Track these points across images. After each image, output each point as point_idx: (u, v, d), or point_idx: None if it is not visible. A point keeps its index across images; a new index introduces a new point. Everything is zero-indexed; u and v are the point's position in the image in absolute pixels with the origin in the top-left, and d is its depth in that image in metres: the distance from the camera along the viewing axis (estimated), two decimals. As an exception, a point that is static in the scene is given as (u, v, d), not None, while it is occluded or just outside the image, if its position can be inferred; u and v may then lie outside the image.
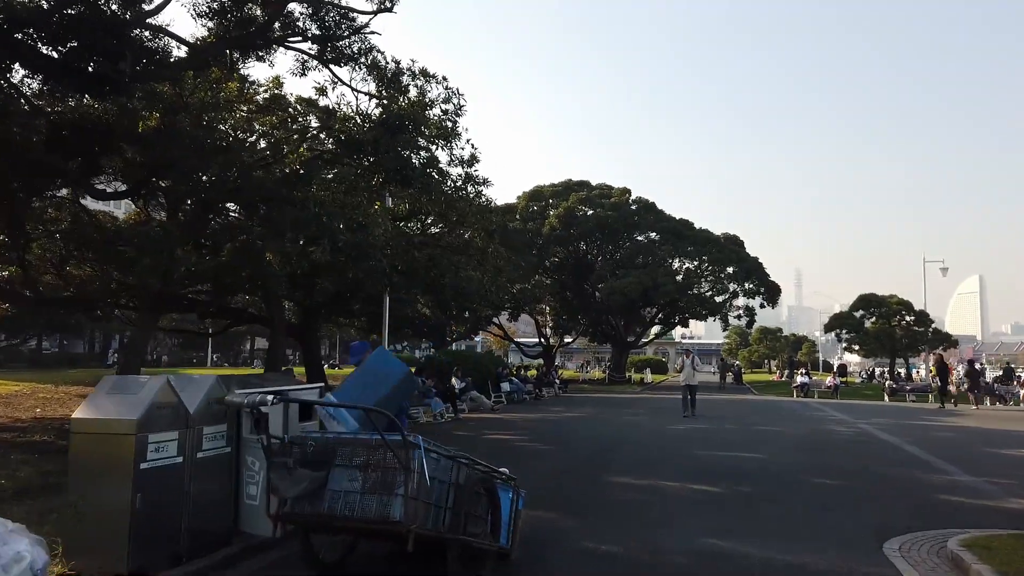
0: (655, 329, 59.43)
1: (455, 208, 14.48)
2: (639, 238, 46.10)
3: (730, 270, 44.24)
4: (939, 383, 27.35)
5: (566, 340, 54.94)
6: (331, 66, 14.03)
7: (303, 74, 14.06)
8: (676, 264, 45.45)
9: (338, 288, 16.34)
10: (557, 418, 19.18)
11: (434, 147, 14.77)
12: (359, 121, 13.62)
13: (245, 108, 15.24)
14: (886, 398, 32.02)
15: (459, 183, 14.52)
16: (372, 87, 14.40)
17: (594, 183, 46.98)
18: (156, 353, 64.29)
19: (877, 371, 62.67)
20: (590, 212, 43.22)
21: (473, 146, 14.59)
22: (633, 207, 45.33)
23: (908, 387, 33.35)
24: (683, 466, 10.62)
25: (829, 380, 34.05)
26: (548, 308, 48.43)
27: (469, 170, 14.70)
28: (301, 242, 13.14)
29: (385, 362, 6.95)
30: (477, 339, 77.74)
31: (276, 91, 15.96)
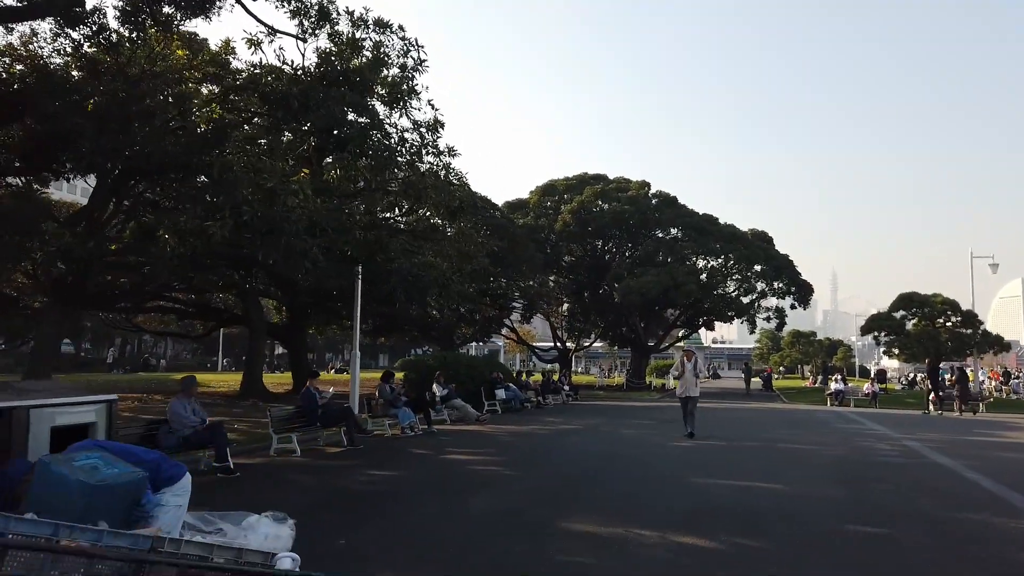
0: (679, 332, 56.53)
1: (414, 184, 12.01)
2: (659, 234, 43.24)
3: (758, 268, 41.21)
4: (930, 388, 27.27)
5: (583, 343, 52.30)
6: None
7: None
8: (701, 263, 42.54)
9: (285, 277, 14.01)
10: (548, 431, 16.61)
11: (388, 109, 12.34)
12: (293, 74, 11.23)
13: (199, 74, 13.04)
14: (931, 408, 28.81)
15: (414, 151, 12.03)
16: (324, 42, 12.08)
17: (611, 177, 44.30)
18: (162, 355, 63.04)
19: (919, 376, 58.81)
20: (606, 207, 40.57)
21: (433, 106, 12.16)
22: (653, 201, 42.58)
23: (955, 394, 30.03)
24: (674, 504, 8.02)
25: (866, 387, 30.92)
26: (562, 309, 45.84)
27: (430, 136, 12.27)
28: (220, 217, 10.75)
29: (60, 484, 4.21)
30: (499, 343, 75.39)
31: (226, 56, 13.71)
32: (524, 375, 27.07)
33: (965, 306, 35.39)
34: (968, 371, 59.06)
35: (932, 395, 27.87)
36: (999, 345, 35.81)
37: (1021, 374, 50.33)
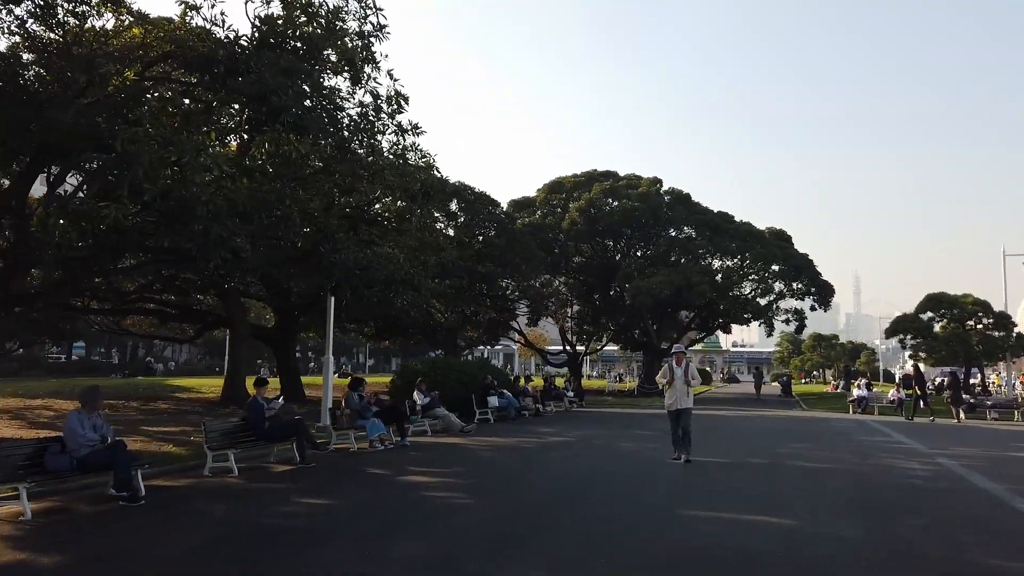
0: (695, 335, 54.51)
1: (368, 165, 10.46)
2: (672, 233, 41.38)
3: (776, 268, 39.23)
4: (915, 393, 25.78)
5: (595, 347, 50.57)
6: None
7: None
8: (716, 263, 40.68)
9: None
10: (534, 445, 15.03)
11: (342, 79, 10.86)
12: (225, 37, 9.79)
13: (153, 54, 11.65)
14: (962, 416, 26.80)
15: (365, 126, 10.49)
16: (277, 8, 10.62)
17: (622, 174, 42.57)
18: (172, 359, 62.23)
19: (947, 381, 56.34)
20: (615, 204, 38.80)
21: (393, 77, 10.63)
22: (665, 199, 40.75)
23: (989, 402, 28.02)
24: (652, 546, 6.43)
25: (891, 393, 28.93)
26: (571, 311, 44.16)
27: (388, 109, 10.73)
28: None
29: None
30: (512, 348, 73.66)
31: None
32: (523, 380, 25.47)
33: (997, 307, 33.27)
34: (995, 375, 56.49)
35: (951, 404, 25.95)
36: (1034, 348, 33.59)
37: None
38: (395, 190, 11.27)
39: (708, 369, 74.09)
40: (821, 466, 11.80)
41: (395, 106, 11.32)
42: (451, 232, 15.32)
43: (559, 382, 32.58)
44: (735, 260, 39.91)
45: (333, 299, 15.90)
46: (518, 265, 28.51)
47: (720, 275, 39.02)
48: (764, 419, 23.79)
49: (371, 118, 10.55)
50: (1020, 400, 30.35)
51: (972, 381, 38.74)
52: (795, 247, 40.91)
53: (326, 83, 10.18)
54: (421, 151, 12.09)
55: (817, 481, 10.16)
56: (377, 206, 12.39)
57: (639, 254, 41.83)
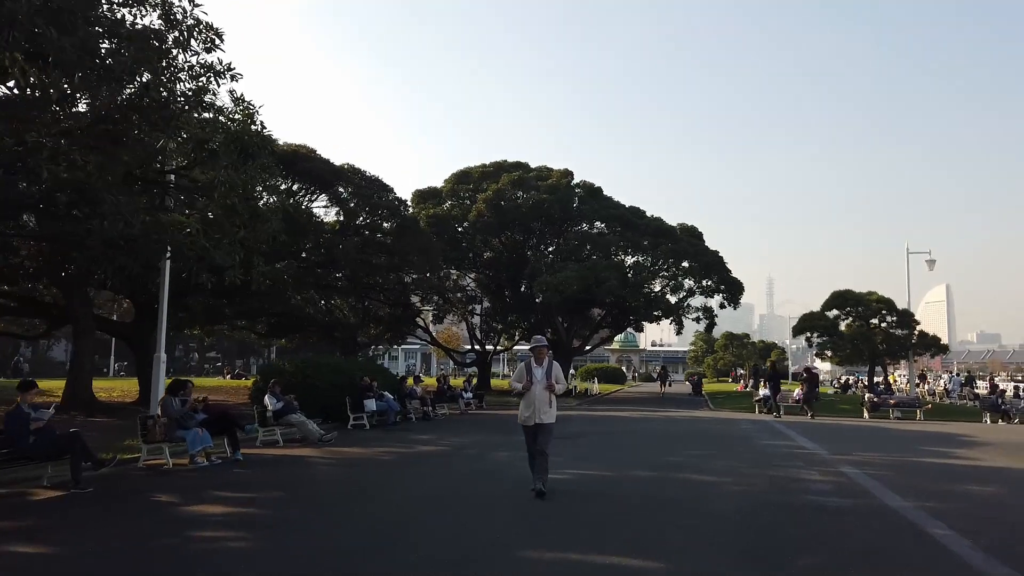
0: (613, 335, 53.50)
1: (142, 108, 8.09)
2: (584, 227, 40.03)
3: (686, 265, 38.41)
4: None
5: (508, 345, 48.93)
6: None
7: None
8: (630, 260, 39.56)
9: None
10: (397, 457, 12.98)
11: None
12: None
13: None
14: (866, 414, 26.30)
15: (152, 57, 8.18)
16: None
17: (532, 165, 40.95)
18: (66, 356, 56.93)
19: (850, 380, 57.33)
20: (524, 196, 37.12)
21: (195, 2, 8.35)
22: (576, 191, 39.37)
23: (892, 400, 27.64)
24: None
25: (797, 392, 28.23)
26: (480, 309, 42.28)
27: (197, 44, 8.47)
28: None
29: None
30: (425, 347, 71.10)
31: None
32: (411, 380, 23.33)
33: (901, 305, 33.27)
34: (894, 373, 57.81)
35: (803, 401, 26.24)
36: (936, 347, 33.76)
37: (954, 376, 49.04)
38: (189, 142, 9.00)
39: (624, 368, 73.55)
40: (712, 480, 10.19)
41: (207, 43, 9.06)
42: (273, 200, 12.99)
43: (454, 382, 30.71)
44: (646, 256, 38.91)
45: (167, 283, 13.43)
46: (411, 258, 26.32)
47: (631, 271, 37.90)
48: (666, 421, 22.45)
49: (172, 53, 8.26)
50: (921, 399, 30.29)
51: (876, 379, 38.93)
52: (706, 244, 40.25)
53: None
54: (246, 104, 9.79)
55: (703, 503, 8.48)
56: (176, 163, 9.97)
57: (550, 249, 40.33)
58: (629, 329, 57.86)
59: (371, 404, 18.40)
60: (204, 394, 16.38)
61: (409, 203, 39.48)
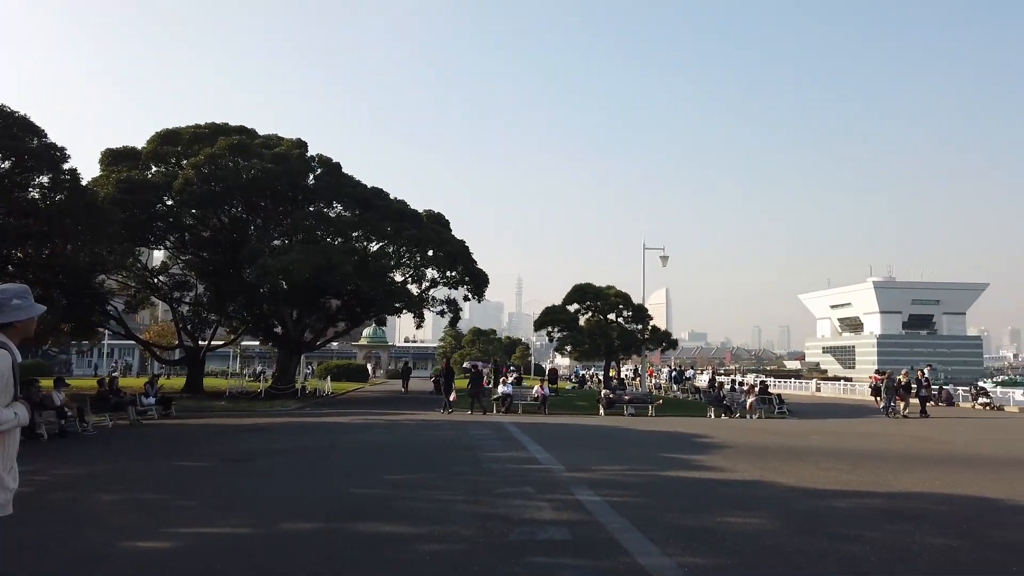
0: (350, 328, 49.17)
1: None
2: (322, 207, 35.55)
3: (431, 253, 35.73)
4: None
5: (230, 339, 42.71)
6: None
7: None
8: (374, 246, 35.89)
9: None
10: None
11: None
12: None
13: None
14: (601, 411, 25.46)
15: None
16: None
17: (261, 132, 35.56)
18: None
19: (586, 375, 59.22)
20: (245, 164, 31.72)
21: None
22: (312, 165, 34.81)
23: (627, 396, 27.22)
24: None
25: (536, 389, 26.72)
26: (192, 296, 35.94)
27: None
28: None
29: None
30: (132, 342, 60.86)
31: None
32: (50, 383, 17.49)
33: (637, 300, 33.57)
34: (626, 369, 60.72)
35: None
36: (667, 342, 34.66)
37: (671, 371, 52.20)
38: None
39: (368, 366, 69.65)
40: (404, 533, 6.92)
41: None
42: None
43: (127, 381, 24.90)
44: (388, 244, 35.57)
45: None
46: (69, 225, 20.18)
47: (371, 258, 34.30)
48: (389, 428, 19.18)
49: None
50: (651, 394, 30.51)
51: (611, 374, 39.52)
52: (452, 232, 37.97)
53: None
54: None
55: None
56: None
57: (278, 231, 35.23)
58: (373, 323, 54.11)
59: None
60: None
61: (99, 166, 32.20)
